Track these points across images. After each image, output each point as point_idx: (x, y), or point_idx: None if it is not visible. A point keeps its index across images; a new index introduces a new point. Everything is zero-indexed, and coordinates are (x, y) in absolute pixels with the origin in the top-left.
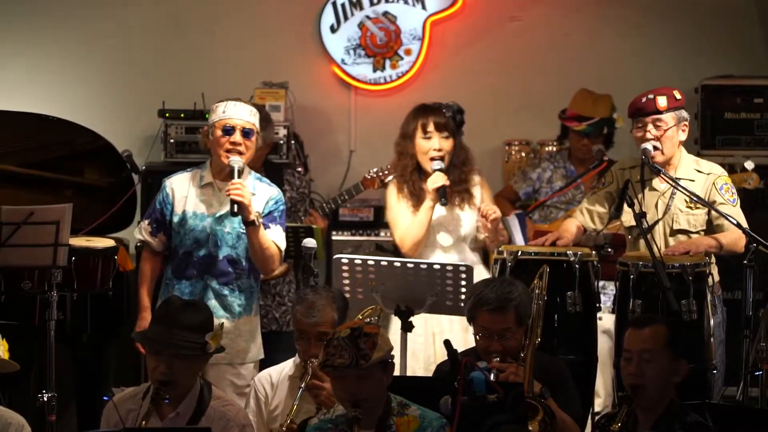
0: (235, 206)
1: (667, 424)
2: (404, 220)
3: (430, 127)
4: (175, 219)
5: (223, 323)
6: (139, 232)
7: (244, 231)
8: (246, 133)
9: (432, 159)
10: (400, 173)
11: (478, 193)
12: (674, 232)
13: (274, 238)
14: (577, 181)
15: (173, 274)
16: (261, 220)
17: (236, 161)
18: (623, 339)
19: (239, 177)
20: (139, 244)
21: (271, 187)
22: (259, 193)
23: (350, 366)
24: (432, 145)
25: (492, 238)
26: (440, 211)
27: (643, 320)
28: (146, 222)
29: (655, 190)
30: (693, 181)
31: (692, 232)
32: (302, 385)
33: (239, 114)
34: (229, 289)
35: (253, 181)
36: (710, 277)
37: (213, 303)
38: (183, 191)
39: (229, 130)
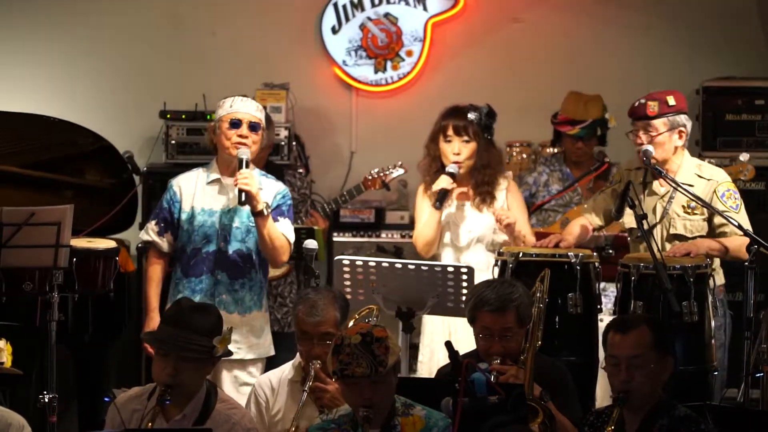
0: (243, 195)
1: (655, 420)
2: (423, 218)
3: (450, 131)
4: (184, 216)
5: (231, 328)
6: (145, 232)
7: (254, 225)
8: (253, 127)
9: (455, 162)
10: (426, 174)
11: (503, 197)
12: (671, 237)
13: (284, 230)
14: (575, 184)
15: (182, 272)
16: (269, 211)
17: (244, 153)
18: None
19: (246, 168)
20: (141, 245)
21: (277, 182)
22: (266, 188)
23: (370, 375)
24: (452, 149)
25: (511, 242)
26: (457, 209)
27: (627, 323)
28: (153, 222)
29: (654, 193)
30: (692, 186)
31: (689, 238)
32: (305, 389)
33: (246, 108)
34: (239, 283)
35: (259, 177)
36: (712, 279)
37: (225, 298)
38: (190, 189)
39: (236, 123)
